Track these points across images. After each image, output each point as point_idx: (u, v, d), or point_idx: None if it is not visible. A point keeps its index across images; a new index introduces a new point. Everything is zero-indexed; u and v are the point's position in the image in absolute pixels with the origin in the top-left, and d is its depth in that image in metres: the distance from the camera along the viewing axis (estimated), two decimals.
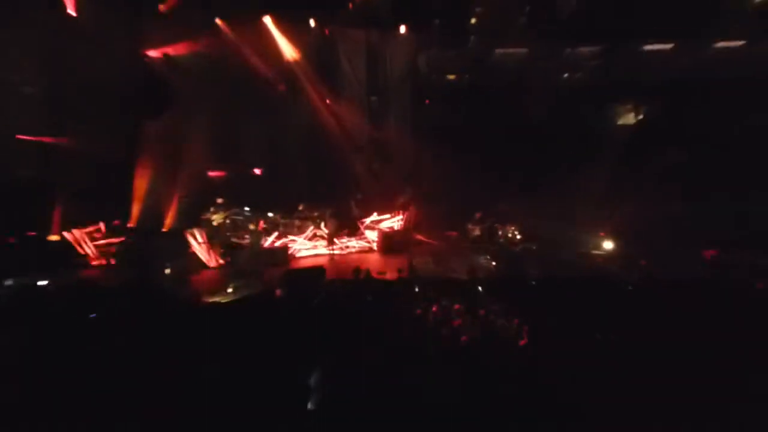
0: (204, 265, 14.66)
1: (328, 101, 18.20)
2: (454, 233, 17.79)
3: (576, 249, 15.09)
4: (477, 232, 16.68)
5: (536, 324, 8.16)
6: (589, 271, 13.17)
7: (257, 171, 18.79)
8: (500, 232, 16.83)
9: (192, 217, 16.37)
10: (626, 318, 8.73)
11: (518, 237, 16.59)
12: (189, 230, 15.14)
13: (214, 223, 16.04)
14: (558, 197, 16.40)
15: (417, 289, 10.24)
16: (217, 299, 11.05)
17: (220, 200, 16.40)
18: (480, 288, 10.34)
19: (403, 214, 17.23)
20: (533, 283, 11.51)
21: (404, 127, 19.02)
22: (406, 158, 18.88)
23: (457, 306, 8.92)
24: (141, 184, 17.56)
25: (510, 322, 8.26)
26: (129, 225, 17.11)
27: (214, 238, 15.23)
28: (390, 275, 12.57)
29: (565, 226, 15.55)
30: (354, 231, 16.96)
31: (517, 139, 17.83)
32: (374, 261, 15.03)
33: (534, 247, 15.80)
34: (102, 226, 15.63)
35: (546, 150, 17.74)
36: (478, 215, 16.69)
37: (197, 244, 14.78)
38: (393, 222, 17.22)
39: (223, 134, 17.91)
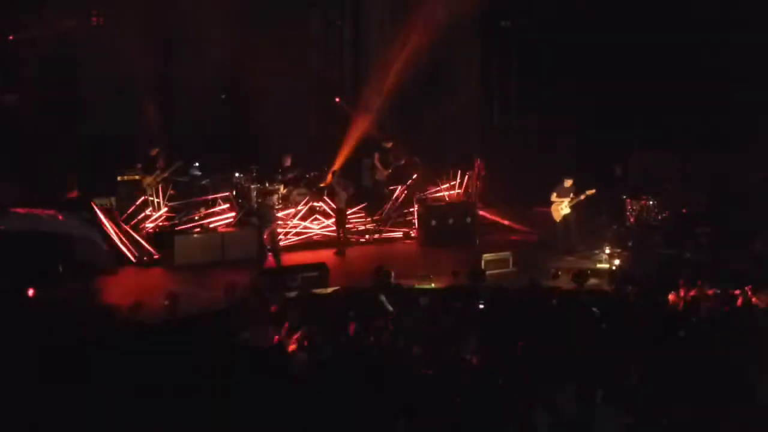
0: (120, 259, 12.64)
1: None
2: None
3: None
4: (564, 207, 14.45)
5: None
6: None
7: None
8: (630, 209, 15.06)
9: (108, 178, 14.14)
10: None
11: (659, 217, 14.85)
12: (97, 200, 13.15)
13: (146, 187, 13.86)
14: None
15: (482, 307, 9.00)
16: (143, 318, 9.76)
17: (154, 152, 14.20)
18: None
19: (465, 178, 15.39)
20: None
21: None
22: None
23: None
24: None
25: None
26: None
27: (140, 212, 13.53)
28: (439, 281, 11.21)
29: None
30: (380, 204, 15.11)
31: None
32: (411, 256, 13.63)
33: (701, 240, 13.14)
34: None
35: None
36: (568, 182, 14.35)
37: (109, 223, 12.80)
38: (446, 192, 15.36)
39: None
